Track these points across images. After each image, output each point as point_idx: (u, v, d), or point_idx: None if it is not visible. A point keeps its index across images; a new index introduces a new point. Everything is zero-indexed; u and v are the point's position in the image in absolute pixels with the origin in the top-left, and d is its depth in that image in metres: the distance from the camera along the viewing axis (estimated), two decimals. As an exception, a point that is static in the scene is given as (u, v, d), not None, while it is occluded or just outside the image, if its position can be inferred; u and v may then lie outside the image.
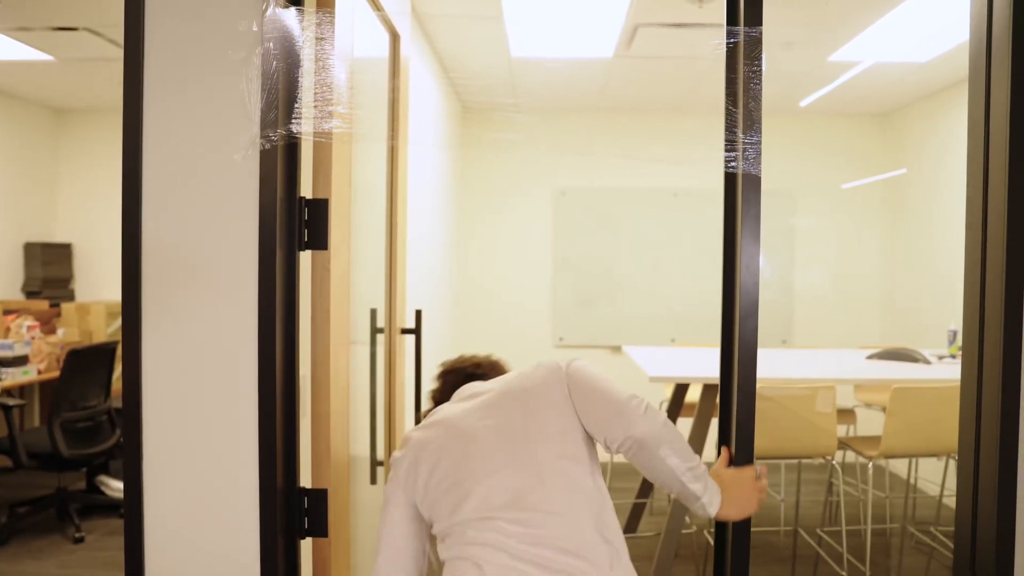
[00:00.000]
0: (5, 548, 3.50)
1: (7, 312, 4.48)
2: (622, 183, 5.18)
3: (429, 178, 3.89)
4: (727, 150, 1.35)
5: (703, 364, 3.06)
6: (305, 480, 1.52)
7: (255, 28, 1.37)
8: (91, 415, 3.78)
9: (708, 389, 3.01)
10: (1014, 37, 1.33)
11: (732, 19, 1.38)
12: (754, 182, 1.30)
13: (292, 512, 1.46)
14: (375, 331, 2.14)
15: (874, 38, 3.53)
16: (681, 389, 3.48)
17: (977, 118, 1.43)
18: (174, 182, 1.39)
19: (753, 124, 1.30)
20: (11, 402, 3.56)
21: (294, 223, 1.44)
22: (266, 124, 1.37)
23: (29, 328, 4.37)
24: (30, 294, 5.05)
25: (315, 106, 1.45)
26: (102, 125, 5.36)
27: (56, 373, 4.35)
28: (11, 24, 3.47)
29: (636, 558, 3.47)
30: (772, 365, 3.13)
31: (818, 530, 3.58)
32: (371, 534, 2.16)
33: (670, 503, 3.14)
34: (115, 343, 3.91)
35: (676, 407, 3.49)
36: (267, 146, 1.36)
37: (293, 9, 1.39)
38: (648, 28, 3.48)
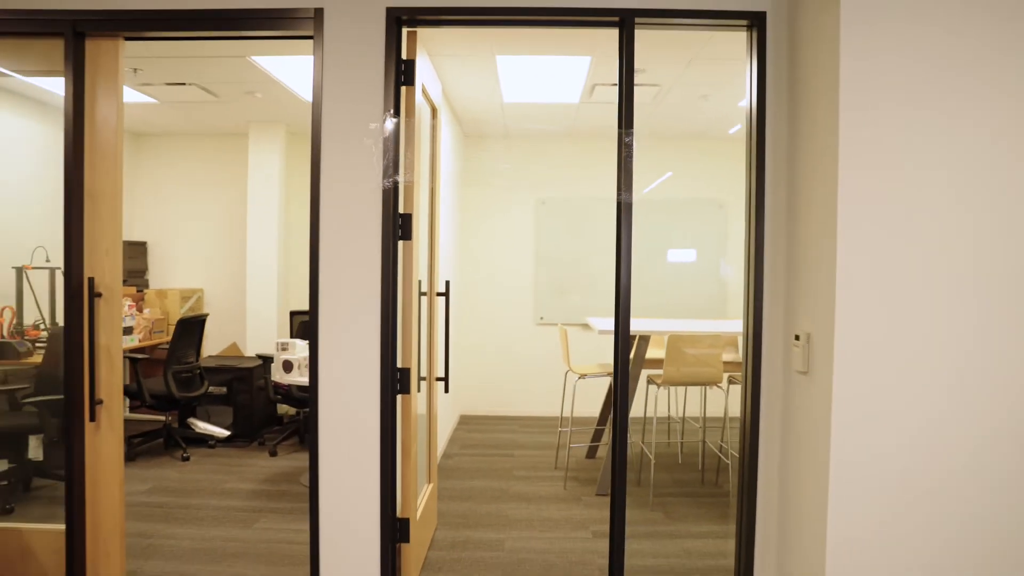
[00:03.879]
0: (133, 463, 4.77)
1: (110, 295, 5.74)
2: (589, 194, 6.54)
3: (445, 193, 5.20)
4: (618, 190, 2.67)
5: (636, 325, 4.40)
6: (399, 364, 2.83)
7: (378, 126, 2.69)
8: (189, 369, 5.06)
9: (641, 340, 4.35)
10: (757, 122, 2.67)
11: (620, 122, 2.70)
12: (628, 207, 2.63)
13: (393, 378, 2.77)
14: (420, 294, 3.45)
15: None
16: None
17: (751, 164, 2.77)
18: (336, 207, 2.70)
19: (628, 179, 2.63)
20: (139, 356, 4.84)
21: (396, 226, 2.74)
22: (384, 175, 2.68)
23: (129, 306, 5.64)
24: (117, 282, 6.30)
25: (405, 166, 2.77)
26: (171, 147, 6.63)
27: (150, 342, 5.65)
28: (139, 81, 4.75)
29: (594, 468, 4.83)
30: (695, 327, 4.48)
31: (721, 444, 4.95)
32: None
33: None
34: (205, 315, 5.19)
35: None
36: (385, 187, 2.68)
37: (397, 118, 2.70)
38: (603, 86, 4.82)
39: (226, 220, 6.64)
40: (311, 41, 2.73)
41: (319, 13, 2.68)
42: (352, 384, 2.74)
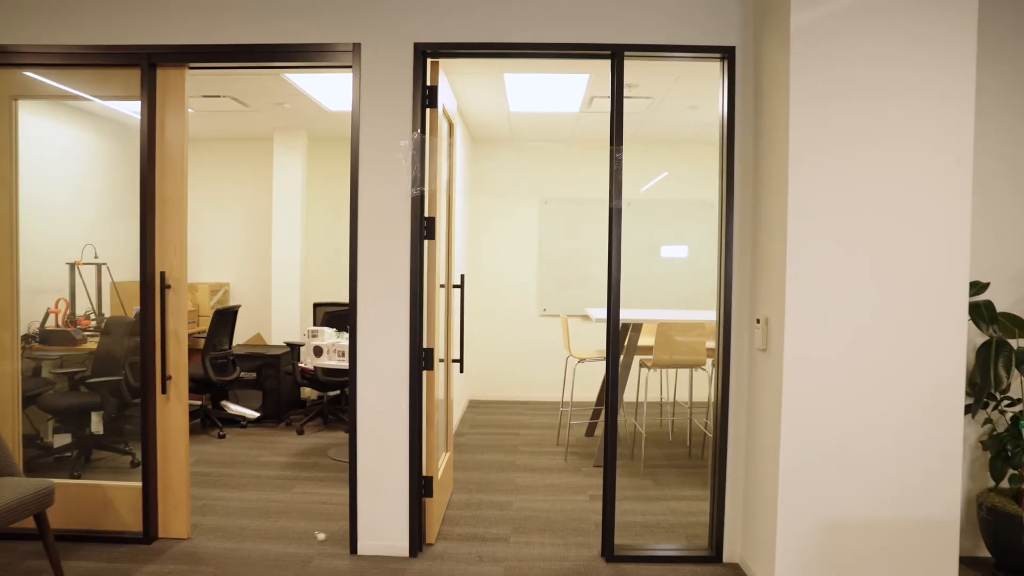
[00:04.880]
0: (175, 440, 5.26)
1: (147, 288, 6.23)
2: (589, 195, 7.02)
3: (458, 196, 5.68)
4: (610, 198, 3.16)
5: (629, 314, 4.89)
6: (424, 345, 3.32)
7: (407, 143, 3.17)
8: (223, 355, 5.55)
9: (634, 328, 4.84)
10: (728, 135, 3.15)
11: (612, 140, 3.19)
12: (618, 212, 3.12)
13: (420, 356, 3.26)
14: (439, 285, 3.94)
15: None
16: (623, 330, 5.29)
17: (723, 172, 3.25)
18: (372, 212, 3.18)
19: (619, 189, 3.12)
20: (180, 343, 5.33)
21: (422, 227, 3.23)
22: (413, 185, 3.16)
23: (166, 299, 6.11)
24: (151, 277, 6.79)
25: (429, 176, 3.26)
26: (201, 151, 7.11)
27: (186, 331, 6.10)
28: (180, 94, 5.22)
29: (593, 445, 5.34)
30: (682, 316, 4.96)
31: (706, 421, 5.43)
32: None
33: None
34: (238, 306, 5.68)
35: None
36: (414, 195, 3.16)
37: (423, 135, 3.18)
38: (600, 98, 5.30)
39: (251, 219, 7.13)
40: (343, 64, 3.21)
41: (357, 47, 3.16)
42: (385, 361, 3.23)
